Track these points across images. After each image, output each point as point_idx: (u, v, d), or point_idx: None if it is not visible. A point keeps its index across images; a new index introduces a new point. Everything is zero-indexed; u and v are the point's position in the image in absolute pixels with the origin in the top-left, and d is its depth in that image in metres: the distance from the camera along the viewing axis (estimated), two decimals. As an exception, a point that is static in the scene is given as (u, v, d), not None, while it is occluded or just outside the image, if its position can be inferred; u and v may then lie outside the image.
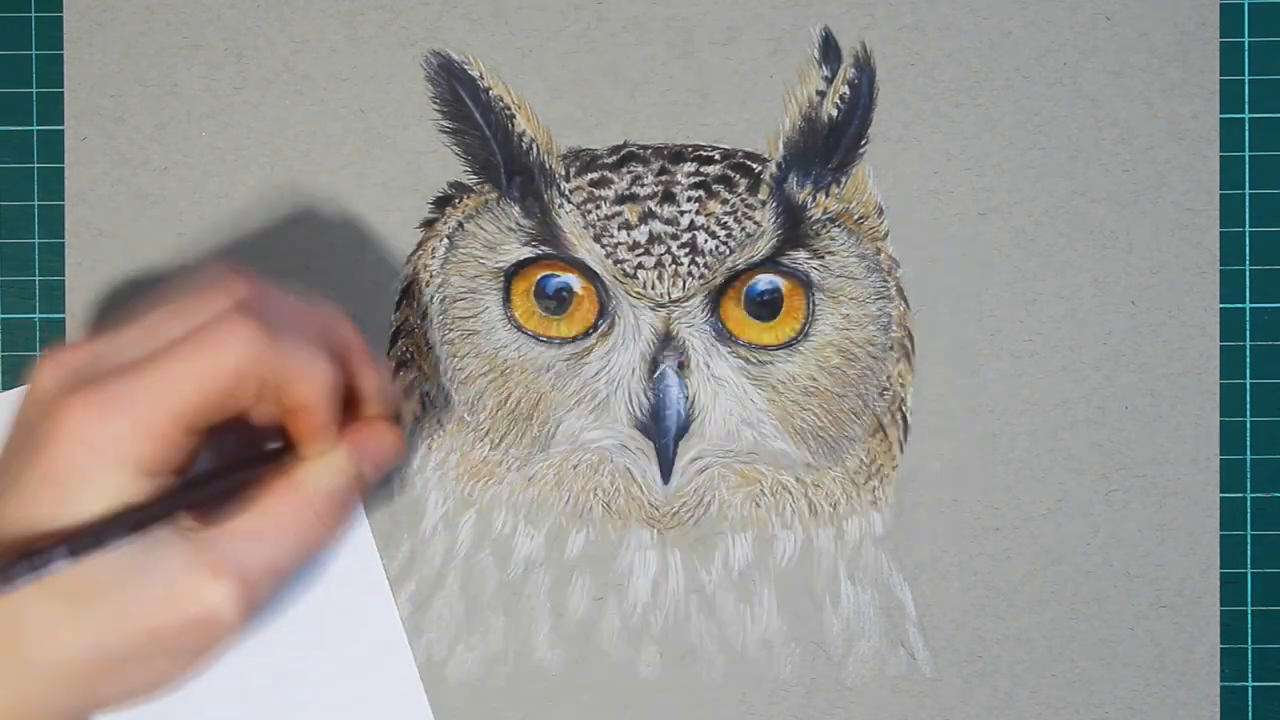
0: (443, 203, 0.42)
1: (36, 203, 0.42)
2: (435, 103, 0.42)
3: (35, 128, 0.42)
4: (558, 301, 0.42)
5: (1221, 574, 0.42)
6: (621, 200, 0.41)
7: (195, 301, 0.33)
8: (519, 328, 0.42)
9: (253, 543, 0.32)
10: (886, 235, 0.42)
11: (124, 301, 0.41)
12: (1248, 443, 0.42)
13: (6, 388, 0.42)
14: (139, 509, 0.30)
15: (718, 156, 0.42)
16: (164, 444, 0.31)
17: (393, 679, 0.41)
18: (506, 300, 0.42)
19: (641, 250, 0.41)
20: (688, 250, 0.41)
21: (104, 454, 0.30)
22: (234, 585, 0.31)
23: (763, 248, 0.41)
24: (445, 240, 0.42)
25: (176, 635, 0.31)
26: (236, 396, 0.32)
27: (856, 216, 0.42)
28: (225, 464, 0.34)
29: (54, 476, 0.30)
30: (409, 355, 0.42)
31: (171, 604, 0.30)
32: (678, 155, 0.42)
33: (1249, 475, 0.42)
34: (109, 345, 0.32)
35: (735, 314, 0.41)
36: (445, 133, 0.42)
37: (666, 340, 0.41)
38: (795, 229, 0.42)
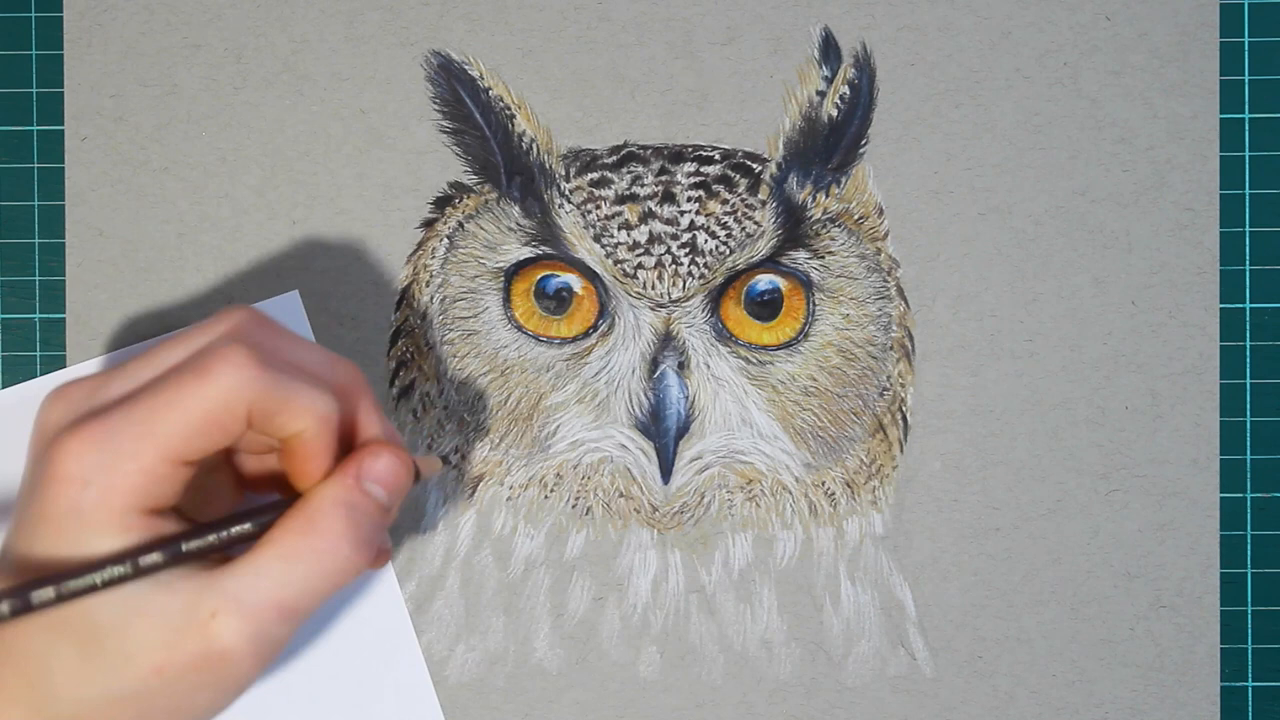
0: (443, 203, 0.42)
1: (36, 203, 0.42)
2: (435, 103, 0.42)
3: (35, 128, 0.42)
4: (558, 301, 0.42)
5: (1221, 574, 0.42)
6: (621, 200, 0.41)
7: (196, 332, 0.33)
8: (519, 328, 0.42)
9: (260, 578, 0.31)
10: (886, 235, 0.42)
11: (124, 302, 0.42)
12: (1248, 443, 0.42)
13: (6, 388, 0.42)
14: (140, 549, 0.30)
15: (718, 156, 0.42)
16: (156, 478, 0.30)
17: (402, 674, 0.41)
18: (506, 300, 0.42)
19: (641, 250, 0.41)
20: (688, 250, 0.41)
21: (98, 490, 0.30)
22: (240, 622, 0.30)
23: (763, 248, 0.41)
24: (445, 240, 0.42)
25: (184, 674, 0.30)
26: (226, 425, 0.31)
27: (856, 216, 0.42)
28: (229, 514, 0.34)
29: (51, 515, 0.30)
30: (409, 355, 0.42)
31: (175, 644, 0.30)
32: (678, 155, 0.42)
33: (1249, 475, 0.42)
34: (110, 379, 0.32)
35: (735, 314, 0.41)
36: (445, 133, 0.42)
37: (666, 340, 0.41)
38: (795, 229, 0.42)
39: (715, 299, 0.41)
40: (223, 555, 0.32)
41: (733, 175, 0.41)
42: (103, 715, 0.30)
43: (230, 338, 0.32)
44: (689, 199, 0.41)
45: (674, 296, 0.41)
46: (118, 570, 0.30)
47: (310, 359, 0.33)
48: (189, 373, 0.31)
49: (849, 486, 0.42)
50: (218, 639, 0.30)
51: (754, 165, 0.42)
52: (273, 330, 0.33)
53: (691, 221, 0.41)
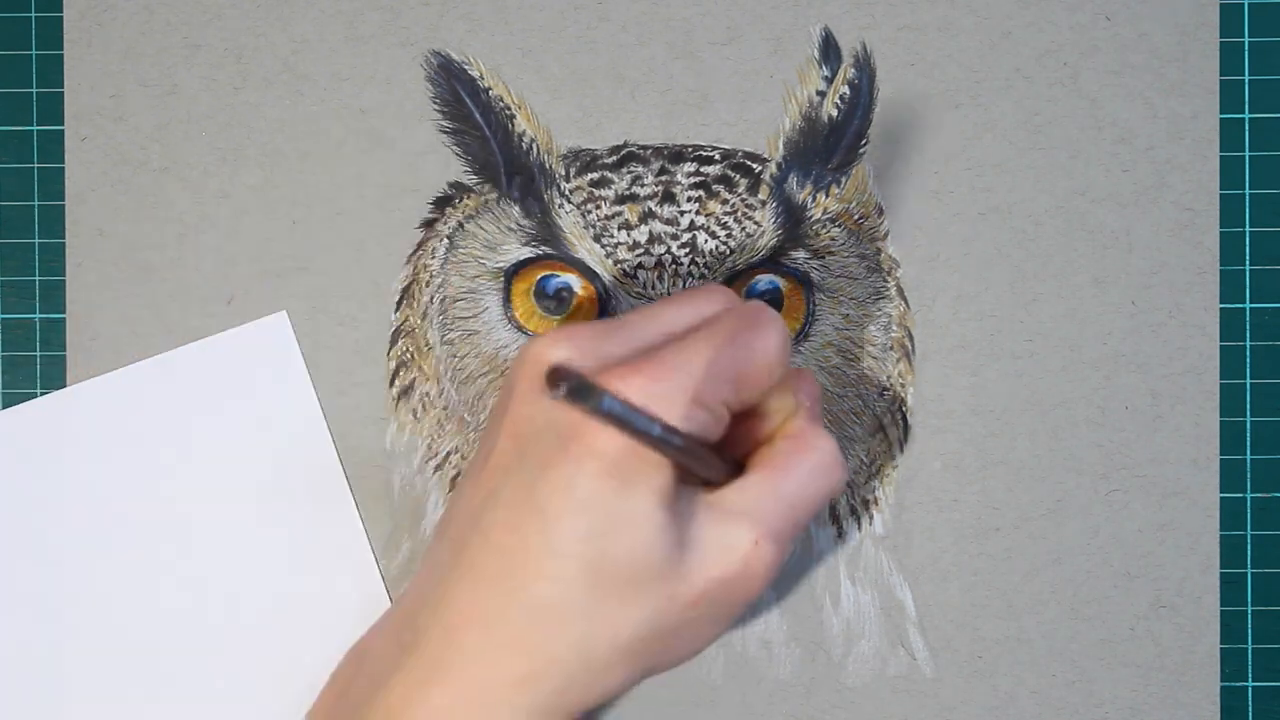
0: (443, 203, 0.42)
1: (36, 203, 0.42)
2: (435, 103, 0.42)
3: (35, 128, 0.42)
4: (558, 301, 0.42)
5: (1221, 574, 0.42)
6: (621, 200, 0.41)
7: (692, 296, 0.33)
8: (519, 328, 0.42)
9: (773, 498, 0.32)
10: (886, 235, 0.42)
11: (124, 302, 0.42)
12: (1248, 443, 0.42)
13: (6, 388, 0.42)
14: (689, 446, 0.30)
15: (718, 156, 0.42)
16: (698, 416, 0.30)
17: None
18: (507, 300, 0.42)
19: (641, 250, 0.41)
20: (688, 250, 0.41)
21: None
22: (767, 542, 0.31)
23: (763, 248, 0.41)
24: (445, 240, 0.42)
25: (719, 599, 0.31)
26: (765, 379, 0.32)
27: (856, 216, 0.42)
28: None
29: (603, 451, 0.30)
30: (409, 355, 0.42)
31: (715, 572, 0.31)
32: (678, 155, 0.42)
33: (1249, 475, 0.42)
34: (616, 329, 0.32)
35: (735, 314, 0.41)
36: (445, 133, 0.42)
37: (667, 340, 0.41)
38: (795, 229, 0.42)
39: (715, 299, 0.41)
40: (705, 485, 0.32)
41: (733, 175, 0.41)
42: (638, 657, 0.31)
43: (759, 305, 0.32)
44: (689, 199, 0.41)
45: (674, 296, 0.41)
46: (678, 440, 0.29)
47: None
48: (744, 323, 0.31)
49: (849, 486, 0.42)
50: (753, 561, 0.31)
51: (754, 165, 0.42)
52: None
53: (691, 221, 0.41)
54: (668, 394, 0.30)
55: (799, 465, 0.33)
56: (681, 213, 0.41)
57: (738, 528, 0.31)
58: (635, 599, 0.30)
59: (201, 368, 0.41)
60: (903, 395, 0.42)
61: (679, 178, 0.41)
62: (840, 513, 0.42)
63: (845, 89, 0.42)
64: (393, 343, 0.42)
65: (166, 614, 0.41)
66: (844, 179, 0.42)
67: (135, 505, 0.41)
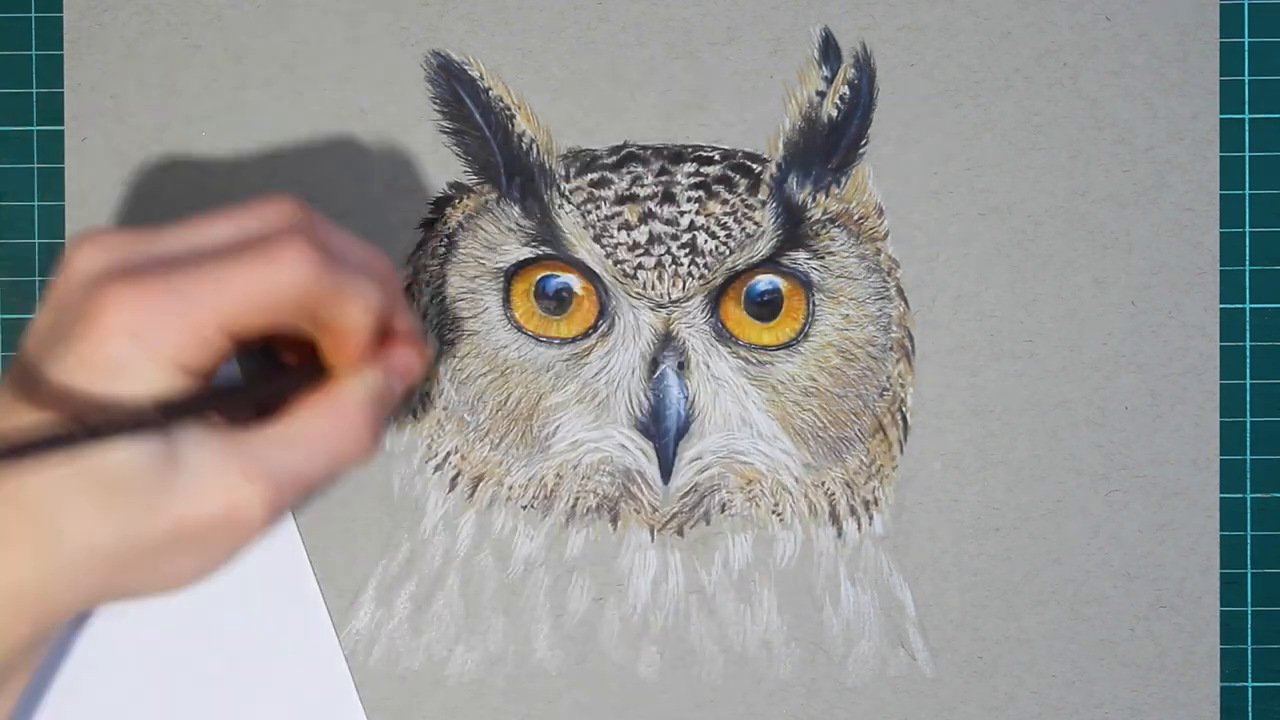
0: (443, 203, 0.42)
1: (36, 203, 0.42)
2: (435, 103, 0.42)
3: (35, 128, 0.42)
4: (558, 302, 0.42)
5: (1221, 574, 0.42)
6: (621, 200, 0.41)
7: (248, 214, 0.33)
8: (519, 328, 0.42)
9: (286, 450, 0.32)
10: (886, 235, 0.42)
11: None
12: (1248, 443, 0.42)
13: (6, 388, 0.42)
14: (174, 401, 0.30)
15: (718, 157, 0.42)
16: (207, 346, 0.31)
17: (321, 672, 0.41)
18: (506, 300, 0.42)
19: (641, 250, 0.41)
20: (688, 250, 0.41)
21: (148, 347, 0.30)
22: (264, 489, 0.31)
23: (763, 248, 0.41)
24: (445, 240, 0.42)
25: (203, 532, 0.31)
26: (281, 310, 0.32)
27: (856, 217, 0.42)
28: (253, 376, 0.34)
29: (93, 363, 0.30)
30: (409, 355, 0.42)
31: (201, 501, 0.31)
32: (678, 155, 0.42)
33: (1249, 475, 0.42)
34: (153, 238, 0.32)
35: (735, 314, 0.42)
36: (445, 133, 0.42)
37: (666, 340, 0.41)
38: (795, 229, 0.42)
39: (715, 299, 0.41)
40: (239, 418, 0.32)
41: (733, 175, 0.41)
42: (113, 563, 0.30)
43: (289, 228, 0.32)
44: (689, 199, 0.41)
45: (674, 297, 0.41)
46: (151, 414, 0.30)
47: (355, 252, 0.34)
48: (257, 255, 0.31)
49: (849, 486, 0.42)
50: (243, 504, 0.31)
51: (754, 165, 0.42)
52: (322, 224, 0.34)
53: (691, 222, 0.41)
54: (163, 318, 0.30)
55: (321, 424, 0.33)
56: (681, 213, 0.41)
57: (235, 467, 0.31)
58: (113, 507, 0.30)
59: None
60: (903, 395, 0.42)
61: (679, 178, 0.41)
62: (840, 513, 0.42)
63: (845, 89, 0.42)
64: (393, 343, 0.42)
65: (164, 613, 0.41)
66: (844, 179, 0.42)
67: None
